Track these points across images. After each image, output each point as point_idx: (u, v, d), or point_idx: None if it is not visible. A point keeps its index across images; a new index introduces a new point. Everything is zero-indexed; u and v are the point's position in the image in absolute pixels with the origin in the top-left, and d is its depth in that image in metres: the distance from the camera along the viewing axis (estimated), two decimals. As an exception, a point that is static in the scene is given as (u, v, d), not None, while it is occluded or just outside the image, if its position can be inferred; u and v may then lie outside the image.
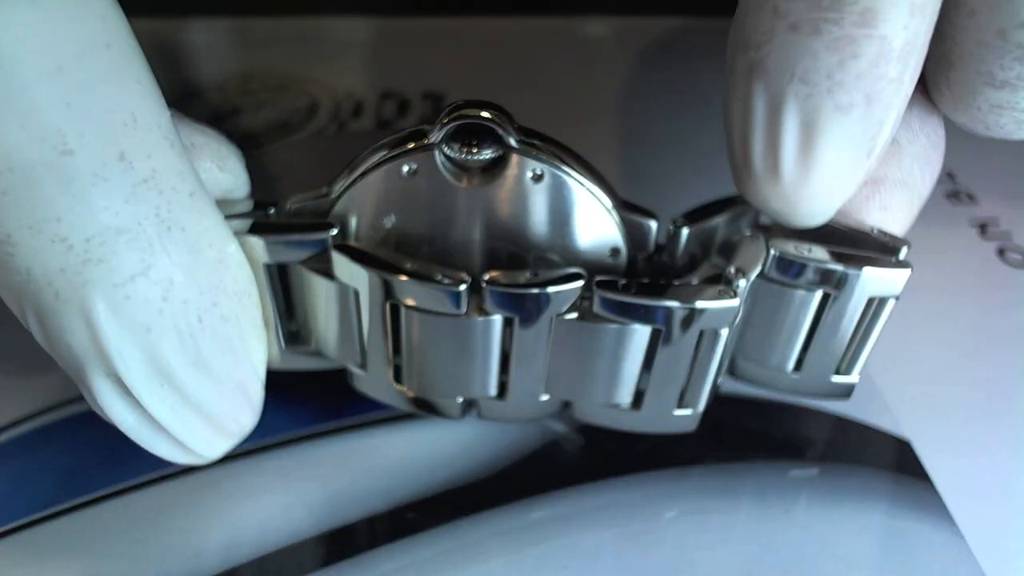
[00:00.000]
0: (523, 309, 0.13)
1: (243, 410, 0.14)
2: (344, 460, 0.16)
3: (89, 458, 0.16)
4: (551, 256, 0.15)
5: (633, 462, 0.16)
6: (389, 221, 0.14)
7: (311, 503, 0.15)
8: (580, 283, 0.13)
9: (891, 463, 0.16)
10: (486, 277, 0.13)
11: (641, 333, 0.14)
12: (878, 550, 0.14)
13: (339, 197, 0.14)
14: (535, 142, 0.14)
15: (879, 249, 0.14)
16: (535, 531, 0.15)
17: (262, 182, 0.16)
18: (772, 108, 0.12)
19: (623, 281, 0.13)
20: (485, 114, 0.13)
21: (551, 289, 0.13)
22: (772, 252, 0.14)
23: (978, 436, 0.16)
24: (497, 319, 0.14)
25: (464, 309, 0.13)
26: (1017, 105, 0.13)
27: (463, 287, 0.13)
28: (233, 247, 0.13)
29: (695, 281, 0.14)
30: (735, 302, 0.13)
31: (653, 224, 0.14)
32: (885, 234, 0.14)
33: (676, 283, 0.14)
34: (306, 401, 0.17)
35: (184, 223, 0.12)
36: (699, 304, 0.13)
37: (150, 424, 0.13)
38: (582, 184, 0.14)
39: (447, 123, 0.13)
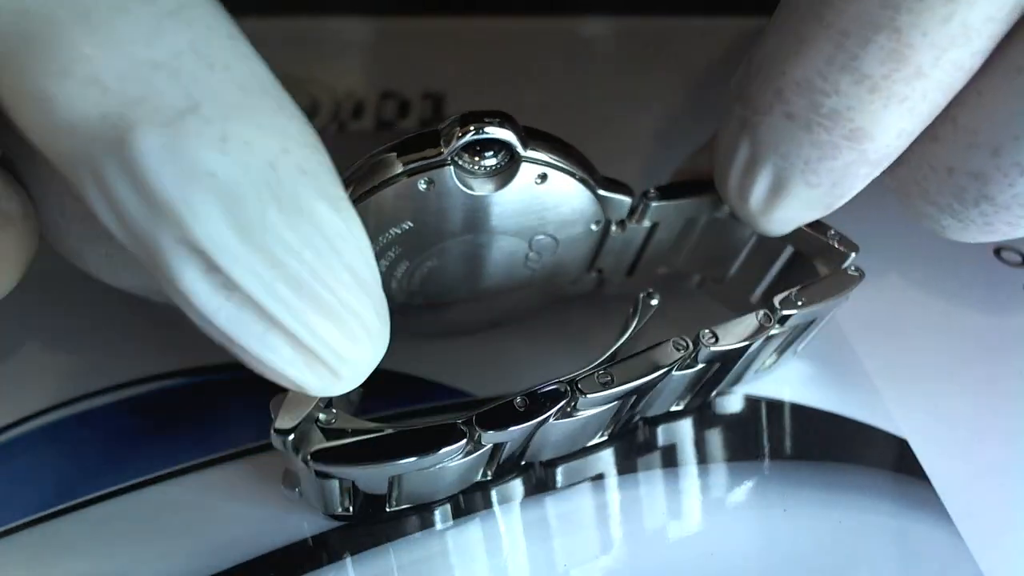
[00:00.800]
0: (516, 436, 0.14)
1: (365, 305, 0.11)
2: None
3: (89, 458, 0.16)
4: (544, 237, 0.16)
5: (633, 462, 0.16)
6: (404, 226, 0.15)
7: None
8: (563, 401, 0.13)
9: (889, 462, 0.16)
10: (477, 418, 0.13)
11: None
12: (876, 549, 0.14)
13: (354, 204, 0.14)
14: (538, 143, 0.14)
15: (830, 256, 0.16)
16: (534, 530, 0.15)
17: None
18: (751, 160, 0.13)
19: (602, 383, 0.14)
20: (496, 127, 0.14)
21: (542, 417, 0.13)
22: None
23: (976, 436, 0.17)
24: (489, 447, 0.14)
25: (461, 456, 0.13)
26: (939, 222, 0.14)
27: (462, 442, 0.13)
28: (287, 96, 0.11)
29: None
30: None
31: (628, 200, 0.16)
32: (841, 240, 0.16)
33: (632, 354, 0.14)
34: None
35: (228, 62, 0.10)
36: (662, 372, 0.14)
37: (253, 312, 0.10)
38: (576, 177, 0.15)
39: (460, 137, 0.14)
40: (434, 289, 0.17)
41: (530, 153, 0.14)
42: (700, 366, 0.15)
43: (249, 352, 0.11)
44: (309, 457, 0.12)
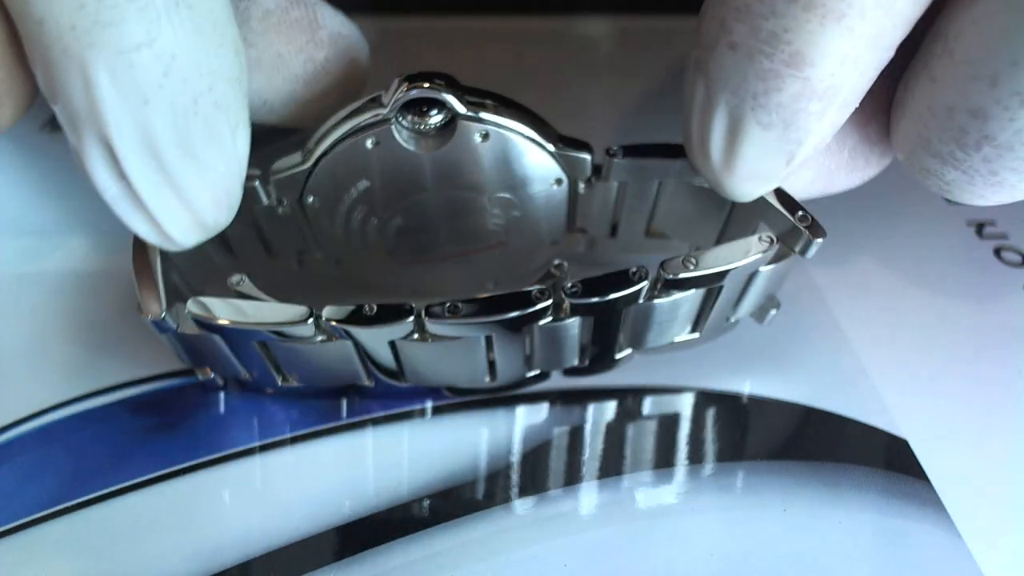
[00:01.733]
0: None
1: (220, 204, 0.14)
2: (344, 459, 0.16)
3: (89, 458, 0.16)
4: (503, 195, 0.17)
5: (632, 461, 0.16)
6: (363, 184, 0.16)
7: (312, 502, 0.15)
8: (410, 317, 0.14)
9: (889, 462, 0.16)
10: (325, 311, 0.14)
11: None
12: (876, 549, 0.14)
13: (313, 168, 0.16)
14: (482, 102, 0.15)
15: (796, 240, 0.15)
16: (534, 530, 0.15)
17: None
18: (707, 103, 0.13)
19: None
20: (432, 86, 0.15)
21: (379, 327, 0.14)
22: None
23: (975, 435, 0.17)
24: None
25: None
26: (943, 177, 0.13)
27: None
28: (234, 31, 0.13)
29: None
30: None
31: (588, 156, 0.16)
32: (811, 225, 0.15)
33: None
34: (307, 401, 0.17)
35: (191, 1, 0.12)
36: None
37: (131, 198, 0.13)
38: (524, 135, 0.16)
39: (398, 96, 0.15)
40: (410, 246, 0.18)
41: (470, 111, 0.15)
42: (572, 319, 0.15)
43: (118, 216, 0.14)
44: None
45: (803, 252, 0.15)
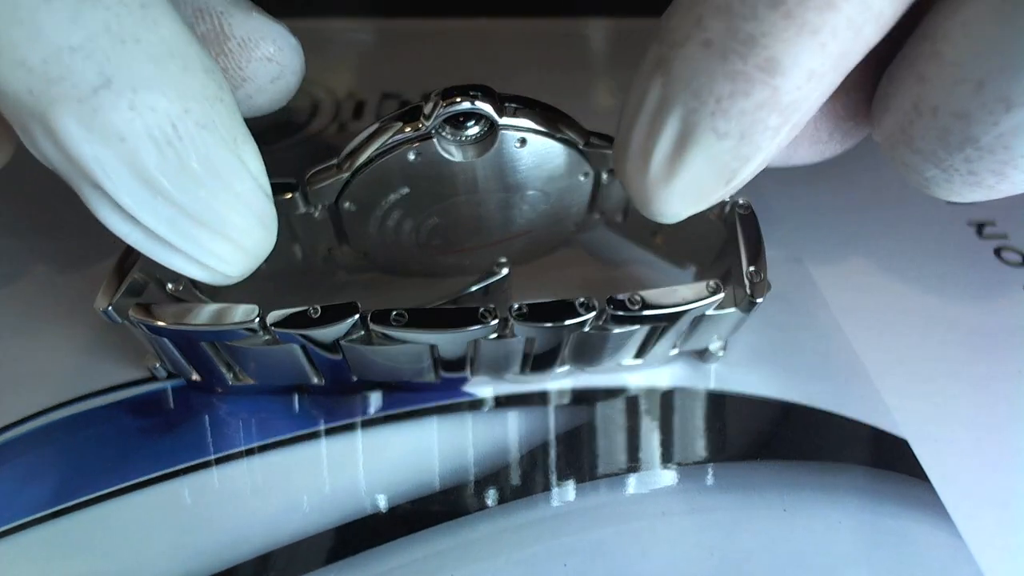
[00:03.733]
0: None
1: (251, 223, 0.14)
2: (344, 458, 0.16)
3: (89, 458, 0.16)
4: (534, 192, 0.18)
5: (632, 461, 0.16)
6: (402, 191, 0.17)
7: (311, 501, 0.15)
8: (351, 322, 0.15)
9: (889, 462, 0.16)
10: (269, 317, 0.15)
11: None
12: (876, 549, 0.14)
13: (352, 177, 0.16)
14: (516, 108, 0.16)
15: (728, 214, 0.16)
16: (535, 529, 0.15)
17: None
18: (661, 105, 0.13)
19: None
20: (470, 100, 0.15)
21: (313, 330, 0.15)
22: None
23: (975, 435, 0.17)
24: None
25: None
26: (923, 173, 0.13)
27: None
28: (196, 50, 0.13)
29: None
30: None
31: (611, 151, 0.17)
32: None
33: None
34: (307, 402, 0.17)
35: (138, 35, 0.12)
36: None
37: (156, 239, 0.13)
38: (558, 136, 0.16)
39: (439, 111, 0.15)
40: (441, 241, 0.19)
41: (507, 121, 0.16)
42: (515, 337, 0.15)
43: (151, 256, 0.14)
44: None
45: (745, 309, 0.16)
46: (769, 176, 0.24)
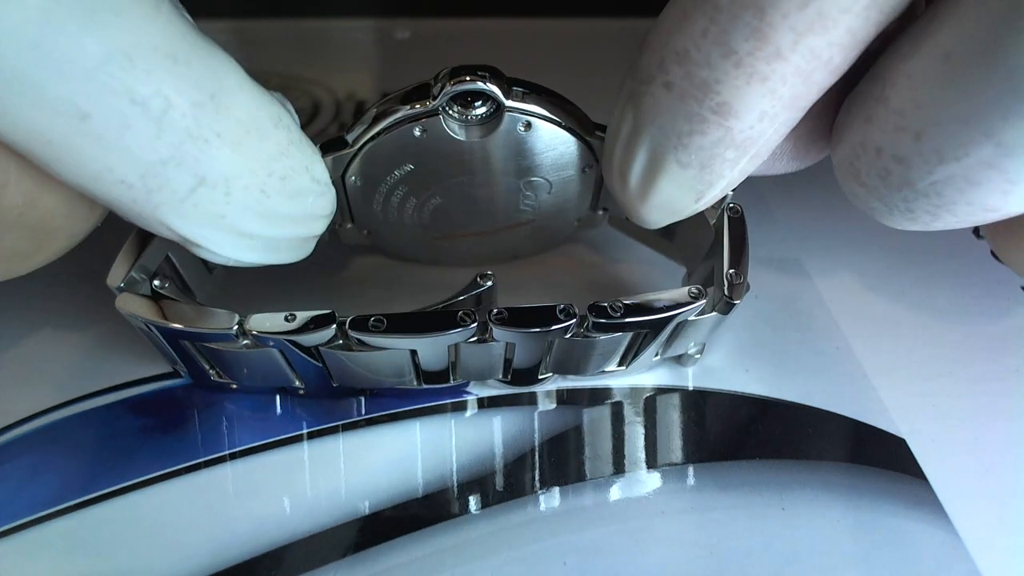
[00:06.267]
0: None
1: (319, 222, 0.16)
2: (342, 459, 0.16)
3: (90, 458, 0.16)
4: (539, 179, 0.18)
5: (631, 460, 0.16)
6: (406, 168, 0.17)
7: (310, 501, 0.15)
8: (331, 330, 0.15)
9: (887, 462, 0.16)
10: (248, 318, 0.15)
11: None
12: (873, 547, 0.15)
13: (359, 151, 0.17)
14: (524, 92, 0.16)
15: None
16: (534, 527, 0.15)
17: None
18: (633, 135, 0.14)
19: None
20: (478, 80, 0.16)
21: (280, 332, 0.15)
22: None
23: (974, 434, 0.17)
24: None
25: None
26: (867, 203, 0.14)
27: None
28: (265, 111, 0.14)
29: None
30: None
31: None
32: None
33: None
34: (307, 402, 0.17)
35: (217, 129, 0.13)
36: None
37: (252, 260, 0.15)
38: (563, 124, 0.17)
39: (447, 88, 0.16)
40: (444, 223, 0.19)
41: (513, 103, 0.16)
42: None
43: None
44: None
45: (723, 311, 0.16)
46: (770, 176, 0.24)
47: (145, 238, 0.16)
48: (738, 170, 0.14)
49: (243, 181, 0.13)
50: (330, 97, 0.28)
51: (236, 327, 0.15)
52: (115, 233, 0.15)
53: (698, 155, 0.13)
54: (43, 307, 0.19)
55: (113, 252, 0.16)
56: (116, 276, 0.15)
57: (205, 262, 0.17)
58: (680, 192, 0.14)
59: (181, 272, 0.17)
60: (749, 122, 0.13)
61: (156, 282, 0.16)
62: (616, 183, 0.15)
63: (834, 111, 0.14)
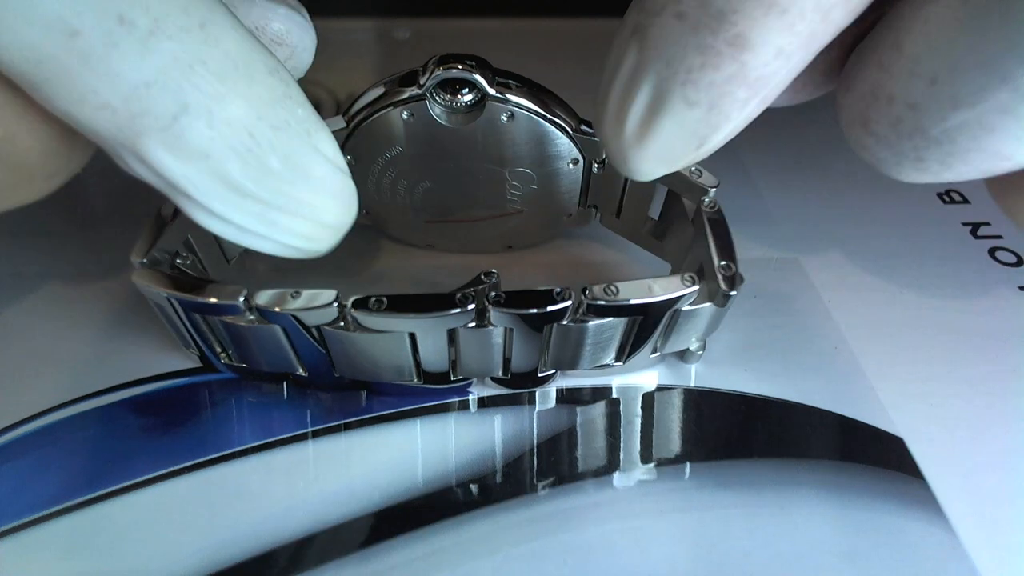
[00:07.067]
0: None
1: (332, 203, 0.15)
2: (344, 457, 0.16)
3: (92, 457, 0.16)
4: (523, 170, 0.18)
5: (631, 459, 0.16)
6: (396, 150, 0.18)
7: (311, 500, 0.15)
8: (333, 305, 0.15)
9: (885, 461, 0.16)
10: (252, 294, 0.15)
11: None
12: (872, 546, 0.15)
13: (351, 134, 0.18)
14: (510, 84, 0.17)
15: (693, 191, 0.17)
16: (534, 526, 0.15)
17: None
18: (635, 72, 0.13)
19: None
20: (464, 68, 0.16)
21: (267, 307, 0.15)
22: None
23: (972, 434, 0.17)
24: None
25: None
26: (875, 153, 0.14)
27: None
28: (260, 57, 0.13)
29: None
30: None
31: None
32: (702, 175, 0.16)
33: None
34: (308, 402, 0.17)
35: (203, 56, 0.13)
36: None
37: (248, 231, 0.14)
38: (547, 116, 0.17)
39: (434, 74, 0.16)
40: (434, 207, 0.20)
41: (498, 92, 0.17)
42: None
43: (250, 247, 0.15)
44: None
45: (720, 303, 0.16)
46: (768, 176, 0.24)
47: (164, 219, 0.16)
48: (746, 113, 0.13)
49: (226, 114, 0.13)
50: (330, 97, 0.28)
51: (243, 300, 0.15)
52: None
53: (708, 92, 0.13)
54: (43, 307, 0.19)
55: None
56: (139, 251, 0.16)
57: (223, 250, 0.18)
58: (682, 136, 0.13)
59: (200, 256, 0.17)
60: (764, 58, 0.12)
61: (178, 260, 0.16)
62: (610, 127, 0.14)
63: (840, 48, 0.14)
